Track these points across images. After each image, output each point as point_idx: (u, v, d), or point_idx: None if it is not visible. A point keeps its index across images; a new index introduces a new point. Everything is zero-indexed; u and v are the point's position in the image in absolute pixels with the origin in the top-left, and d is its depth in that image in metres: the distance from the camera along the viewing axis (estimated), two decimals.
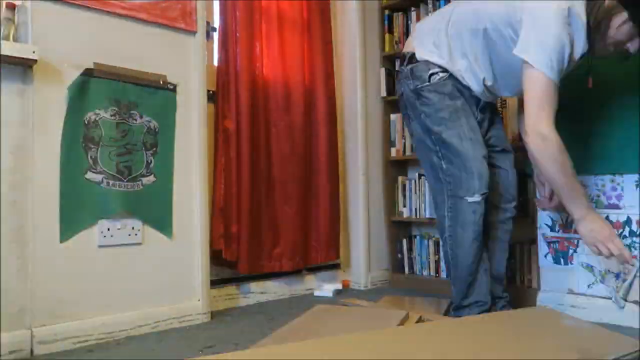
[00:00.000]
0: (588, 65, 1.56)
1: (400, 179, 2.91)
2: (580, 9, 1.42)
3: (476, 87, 1.73)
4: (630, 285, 1.89)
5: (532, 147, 1.53)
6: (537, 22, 1.44)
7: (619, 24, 1.36)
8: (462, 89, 1.73)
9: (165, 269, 1.96)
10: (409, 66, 1.78)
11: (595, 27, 1.40)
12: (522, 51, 1.49)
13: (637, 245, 1.90)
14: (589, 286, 2.02)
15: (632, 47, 1.38)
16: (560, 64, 1.44)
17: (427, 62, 1.73)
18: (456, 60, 1.69)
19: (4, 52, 1.53)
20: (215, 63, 2.35)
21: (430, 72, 1.72)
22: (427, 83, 1.71)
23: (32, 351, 1.60)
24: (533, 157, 1.59)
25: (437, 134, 1.74)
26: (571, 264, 2.08)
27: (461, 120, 1.70)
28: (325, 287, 2.60)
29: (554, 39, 1.41)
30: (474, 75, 1.70)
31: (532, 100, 1.48)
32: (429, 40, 1.76)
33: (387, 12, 2.97)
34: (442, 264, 2.72)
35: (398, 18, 2.95)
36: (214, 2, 2.37)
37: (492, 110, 1.94)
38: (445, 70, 1.71)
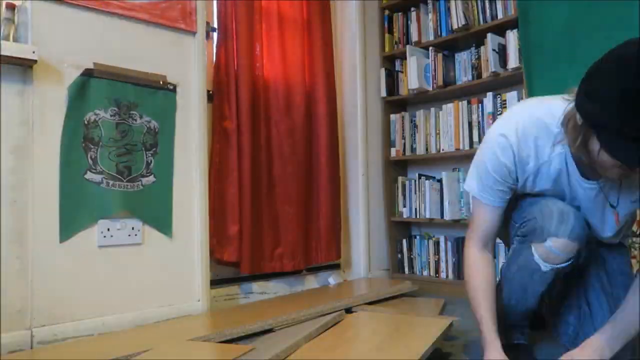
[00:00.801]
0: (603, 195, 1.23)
1: (400, 179, 2.91)
2: (530, 130, 1.18)
3: None
4: None
5: None
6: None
7: (598, 149, 0.99)
8: None
9: (165, 269, 1.96)
10: None
11: (579, 150, 1.07)
12: None
13: (637, 245, 1.90)
14: None
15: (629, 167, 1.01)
16: (486, 187, 1.25)
17: None
18: None
19: (4, 52, 1.53)
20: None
21: None
22: None
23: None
24: None
25: None
26: None
27: None
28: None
29: (478, 164, 1.28)
30: None
31: None
32: None
33: (387, 12, 2.98)
34: (442, 264, 2.72)
35: (398, 18, 2.96)
36: (214, 2, 2.37)
37: None
38: None
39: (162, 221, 1.96)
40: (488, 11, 2.53)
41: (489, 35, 2.49)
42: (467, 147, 2.59)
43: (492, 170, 1.23)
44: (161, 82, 1.98)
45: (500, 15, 2.47)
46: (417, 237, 2.88)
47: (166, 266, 1.96)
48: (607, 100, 0.92)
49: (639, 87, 0.88)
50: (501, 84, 2.52)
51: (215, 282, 2.19)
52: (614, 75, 0.91)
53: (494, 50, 2.47)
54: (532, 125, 1.18)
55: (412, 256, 2.87)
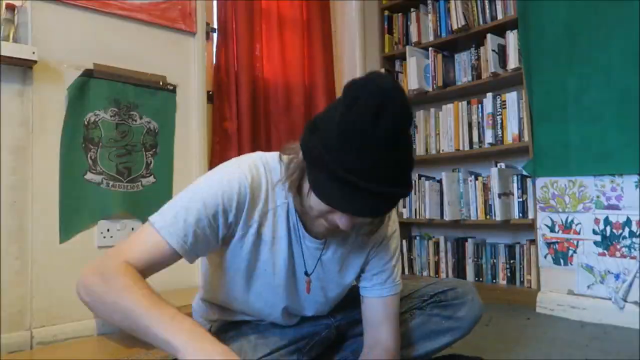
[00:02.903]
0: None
1: None
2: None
3: None
4: (630, 285, 1.89)
5: (79, 286, 0.86)
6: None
7: (308, 192, 0.86)
8: None
9: (165, 269, 1.96)
10: None
11: (290, 191, 0.91)
12: None
13: (636, 246, 1.90)
14: (588, 287, 2.02)
15: (341, 223, 0.84)
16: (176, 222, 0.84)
17: None
18: None
19: (4, 53, 1.53)
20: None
21: None
22: None
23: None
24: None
25: None
26: (571, 264, 2.08)
27: None
28: None
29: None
30: None
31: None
32: None
33: (386, 12, 2.98)
34: (442, 265, 2.72)
35: (398, 19, 2.96)
36: (214, 2, 2.37)
37: None
38: None
39: None
40: (488, 12, 2.53)
41: (488, 35, 2.49)
42: (467, 148, 2.59)
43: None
44: (161, 83, 1.98)
45: (500, 16, 2.48)
46: (417, 237, 2.87)
47: None
48: (329, 137, 0.78)
49: (353, 122, 0.77)
50: (501, 84, 2.52)
51: None
52: (339, 108, 0.79)
53: (493, 50, 2.47)
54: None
55: (412, 257, 2.87)
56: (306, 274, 1.00)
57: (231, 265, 0.96)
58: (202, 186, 0.89)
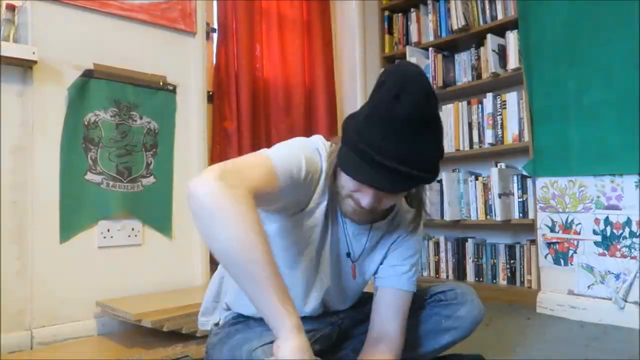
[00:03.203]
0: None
1: None
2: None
3: None
4: (630, 286, 1.89)
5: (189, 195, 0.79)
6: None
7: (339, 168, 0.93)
8: None
9: (165, 270, 1.96)
10: None
11: (333, 175, 0.96)
12: None
13: (636, 246, 1.90)
14: (589, 287, 2.02)
15: (363, 201, 0.90)
16: (288, 168, 0.88)
17: None
18: None
19: (4, 53, 1.53)
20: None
21: None
22: None
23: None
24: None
25: None
26: (571, 264, 2.08)
27: None
28: None
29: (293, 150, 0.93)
30: None
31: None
32: None
33: (386, 13, 2.98)
34: (442, 265, 2.72)
35: (398, 19, 2.96)
36: (214, 3, 2.37)
37: None
38: None
39: (162, 222, 1.96)
40: (488, 12, 2.53)
41: (488, 36, 2.49)
42: (467, 148, 2.59)
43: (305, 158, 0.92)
44: (161, 83, 1.98)
45: (500, 16, 2.48)
46: None
47: (166, 267, 1.96)
48: (359, 118, 0.88)
49: (378, 103, 0.85)
50: (501, 84, 2.52)
51: None
52: (374, 94, 0.87)
53: (493, 50, 2.47)
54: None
55: None
56: (352, 259, 1.06)
57: (288, 236, 0.98)
58: (296, 146, 0.94)
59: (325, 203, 0.98)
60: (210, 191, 0.74)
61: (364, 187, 0.89)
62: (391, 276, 1.09)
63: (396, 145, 0.83)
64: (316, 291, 1.07)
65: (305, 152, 0.93)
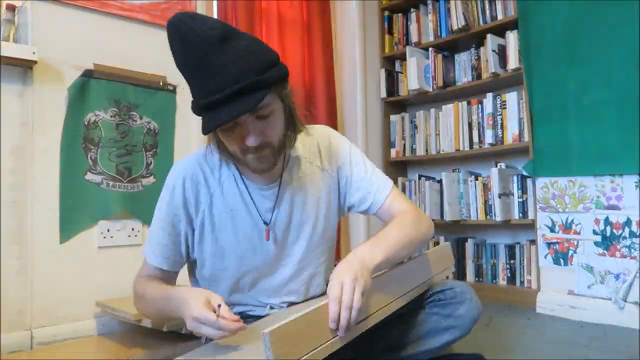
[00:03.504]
0: None
1: (400, 179, 2.91)
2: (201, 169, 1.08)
3: None
4: (630, 286, 1.89)
5: None
6: None
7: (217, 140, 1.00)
8: None
9: None
10: None
11: (216, 150, 1.03)
12: None
13: (636, 246, 1.90)
14: (588, 287, 2.02)
15: (248, 141, 0.92)
16: (156, 243, 1.09)
17: None
18: None
19: (4, 53, 1.53)
20: None
21: None
22: None
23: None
24: None
25: None
26: (571, 264, 2.08)
27: None
28: None
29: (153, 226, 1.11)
30: None
31: None
32: None
33: (386, 13, 2.98)
34: None
35: (398, 19, 2.96)
36: (214, 3, 2.37)
37: None
38: None
39: None
40: (488, 12, 2.53)
41: (488, 36, 2.49)
42: (467, 148, 2.59)
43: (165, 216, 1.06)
44: (161, 83, 1.98)
45: (500, 16, 2.48)
46: None
47: None
48: (187, 79, 0.93)
49: (178, 62, 0.93)
50: (501, 84, 2.52)
51: None
52: (180, 55, 0.93)
53: (493, 51, 2.47)
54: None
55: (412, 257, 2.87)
56: (265, 223, 1.08)
57: (207, 251, 1.09)
58: (157, 207, 1.08)
59: (217, 198, 1.07)
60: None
61: (235, 133, 0.93)
62: (367, 198, 1.17)
63: (206, 81, 0.87)
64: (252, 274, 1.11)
65: (161, 219, 1.07)
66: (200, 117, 0.90)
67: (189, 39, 0.89)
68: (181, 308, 0.89)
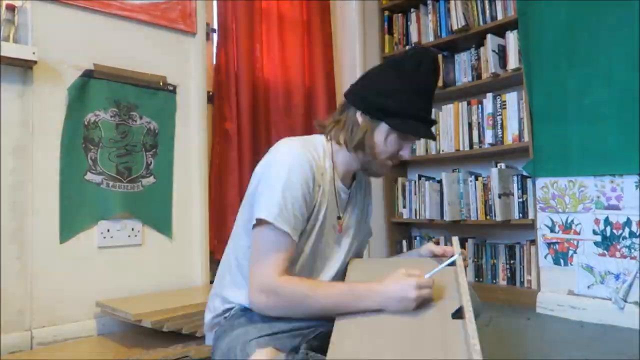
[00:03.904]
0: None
1: (400, 180, 2.91)
2: (316, 156, 1.18)
3: None
4: (630, 286, 1.89)
5: (265, 309, 1.07)
6: (265, 182, 1.11)
7: (385, 137, 1.17)
8: None
9: (166, 269, 1.96)
10: None
11: (358, 148, 1.19)
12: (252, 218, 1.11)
13: (636, 246, 1.90)
14: (588, 287, 2.02)
15: (405, 153, 1.21)
16: (288, 211, 1.07)
17: None
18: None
19: (4, 53, 1.53)
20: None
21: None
22: None
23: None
24: (274, 315, 1.09)
25: None
26: (571, 265, 2.08)
27: None
28: None
29: (279, 189, 1.08)
30: None
31: (253, 256, 1.09)
32: None
33: (386, 13, 2.98)
34: None
35: (398, 19, 2.96)
36: (214, 3, 2.37)
37: None
38: None
39: (162, 222, 1.96)
40: (488, 12, 2.53)
41: (488, 36, 2.49)
42: (467, 148, 2.59)
43: (300, 187, 1.08)
44: (161, 83, 1.98)
45: (500, 16, 2.48)
46: (417, 238, 2.87)
47: (166, 267, 1.96)
48: (401, 93, 1.14)
49: (426, 83, 1.16)
50: (501, 84, 2.52)
51: None
52: (405, 75, 1.15)
53: (493, 51, 2.47)
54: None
55: None
56: (338, 217, 1.24)
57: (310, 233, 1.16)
58: (285, 176, 1.08)
59: (321, 191, 1.17)
60: (259, 309, 1.06)
61: (407, 143, 1.19)
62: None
63: (428, 104, 1.17)
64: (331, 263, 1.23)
65: (293, 188, 1.08)
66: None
67: (433, 68, 1.16)
68: (387, 292, 0.98)
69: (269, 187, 1.08)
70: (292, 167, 1.10)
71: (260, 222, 1.06)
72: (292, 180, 1.08)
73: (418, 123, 1.16)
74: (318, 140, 1.26)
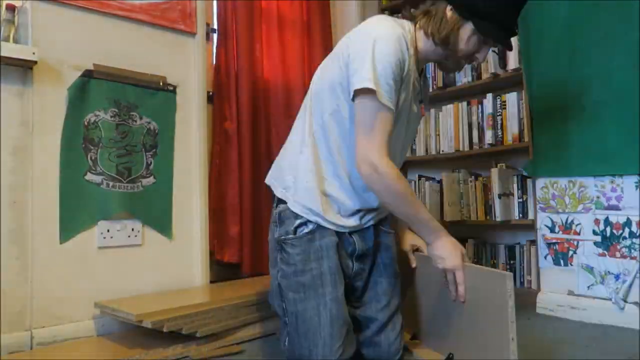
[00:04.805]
0: (419, 93, 1.40)
1: None
2: (406, 36, 1.26)
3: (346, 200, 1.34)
4: (630, 286, 1.89)
5: (365, 179, 1.22)
6: (361, 52, 1.19)
7: (468, 36, 1.25)
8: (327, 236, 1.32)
9: (165, 270, 1.96)
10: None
11: (443, 42, 1.27)
12: (351, 84, 1.20)
13: (636, 246, 1.90)
14: (588, 287, 2.02)
15: (480, 56, 1.30)
16: (390, 88, 1.18)
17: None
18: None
19: (4, 53, 1.53)
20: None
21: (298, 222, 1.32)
22: (292, 236, 1.33)
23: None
24: (370, 189, 1.27)
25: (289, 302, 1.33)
26: (571, 265, 2.08)
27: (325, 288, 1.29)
28: None
29: (382, 63, 1.17)
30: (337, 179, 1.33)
31: (360, 127, 1.20)
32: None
33: (386, 13, 2.98)
34: None
35: None
36: (214, 3, 2.37)
37: (378, 249, 1.49)
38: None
39: (162, 222, 1.96)
40: None
41: None
42: (467, 148, 2.59)
43: (396, 66, 1.20)
44: (161, 83, 1.98)
45: None
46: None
47: (166, 267, 1.96)
48: (506, 7, 1.23)
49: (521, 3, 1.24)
50: (501, 85, 2.52)
51: (215, 283, 2.18)
52: None
53: (493, 51, 2.47)
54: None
55: None
56: (420, 101, 1.40)
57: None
58: (379, 49, 1.17)
59: (412, 76, 1.29)
60: (390, 177, 1.21)
61: (484, 47, 1.28)
62: None
63: (516, 13, 1.26)
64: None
65: (394, 58, 1.19)
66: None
67: None
68: (450, 240, 1.34)
69: (370, 59, 1.16)
70: (393, 44, 1.19)
71: (363, 92, 1.16)
72: (393, 56, 1.18)
73: (500, 31, 1.22)
74: (406, 26, 1.33)
